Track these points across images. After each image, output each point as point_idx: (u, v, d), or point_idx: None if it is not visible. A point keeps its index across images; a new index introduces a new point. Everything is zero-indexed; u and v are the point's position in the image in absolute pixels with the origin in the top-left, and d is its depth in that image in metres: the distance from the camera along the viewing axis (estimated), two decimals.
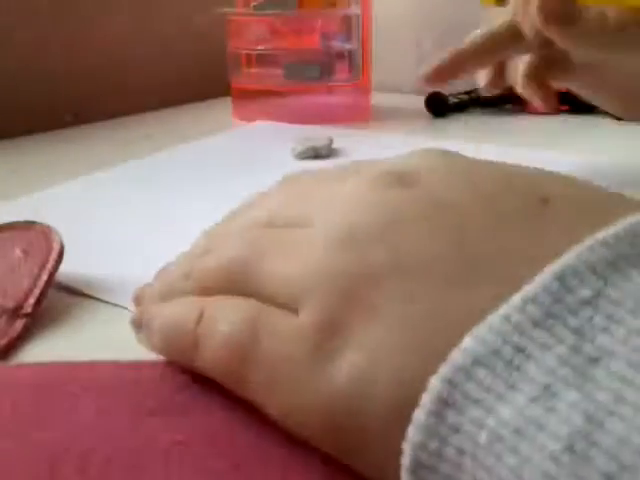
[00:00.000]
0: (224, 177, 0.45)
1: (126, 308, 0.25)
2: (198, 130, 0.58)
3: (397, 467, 0.14)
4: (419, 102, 0.65)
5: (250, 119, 0.62)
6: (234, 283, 0.19)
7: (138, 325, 0.21)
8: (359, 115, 0.64)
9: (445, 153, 0.20)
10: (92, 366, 0.20)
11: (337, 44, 0.63)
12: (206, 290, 0.20)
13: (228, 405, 0.18)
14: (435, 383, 0.13)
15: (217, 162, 0.49)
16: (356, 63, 0.63)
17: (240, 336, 0.17)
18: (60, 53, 0.63)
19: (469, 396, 0.13)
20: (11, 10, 0.58)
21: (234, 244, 0.20)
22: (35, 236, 0.27)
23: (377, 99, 0.67)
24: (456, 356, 0.13)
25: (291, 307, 0.17)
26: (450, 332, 0.14)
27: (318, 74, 0.61)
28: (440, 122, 0.64)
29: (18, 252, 0.26)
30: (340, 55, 0.64)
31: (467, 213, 0.17)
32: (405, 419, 0.14)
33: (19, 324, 0.24)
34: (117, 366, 0.20)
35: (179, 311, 0.20)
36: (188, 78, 0.76)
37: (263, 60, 0.66)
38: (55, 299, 0.26)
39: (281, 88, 0.63)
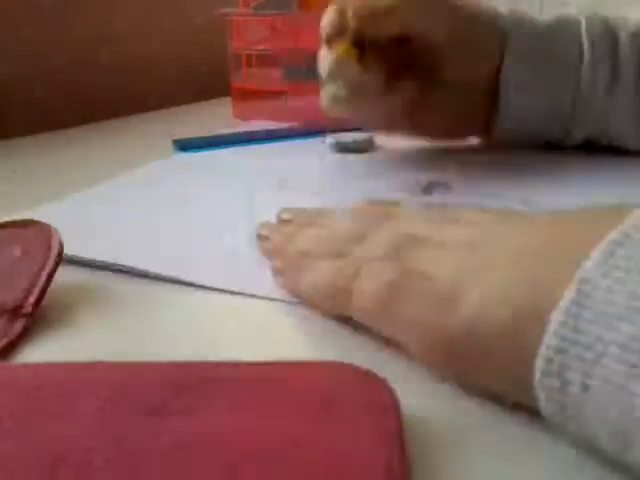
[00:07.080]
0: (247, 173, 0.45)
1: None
2: (198, 130, 0.58)
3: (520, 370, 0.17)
4: None
5: (250, 119, 0.62)
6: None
7: (280, 271, 0.26)
8: None
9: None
10: (92, 367, 0.20)
11: None
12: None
13: (228, 407, 0.18)
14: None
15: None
16: None
17: (388, 290, 0.21)
18: (62, 53, 0.63)
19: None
20: (14, 9, 0.58)
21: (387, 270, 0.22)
22: (34, 235, 0.27)
23: None
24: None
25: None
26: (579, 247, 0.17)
27: (318, 74, 0.61)
28: None
29: (17, 251, 0.26)
30: None
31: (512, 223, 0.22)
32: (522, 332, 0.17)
33: (19, 324, 0.24)
34: (117, 367, 0.20)
35: (335, 272, 0.24)
36: (188, 78, 0.76)
37: (263, 60, 0.66)
38: (55, 299, 0.26)
39: (281, 88, 0.63)
